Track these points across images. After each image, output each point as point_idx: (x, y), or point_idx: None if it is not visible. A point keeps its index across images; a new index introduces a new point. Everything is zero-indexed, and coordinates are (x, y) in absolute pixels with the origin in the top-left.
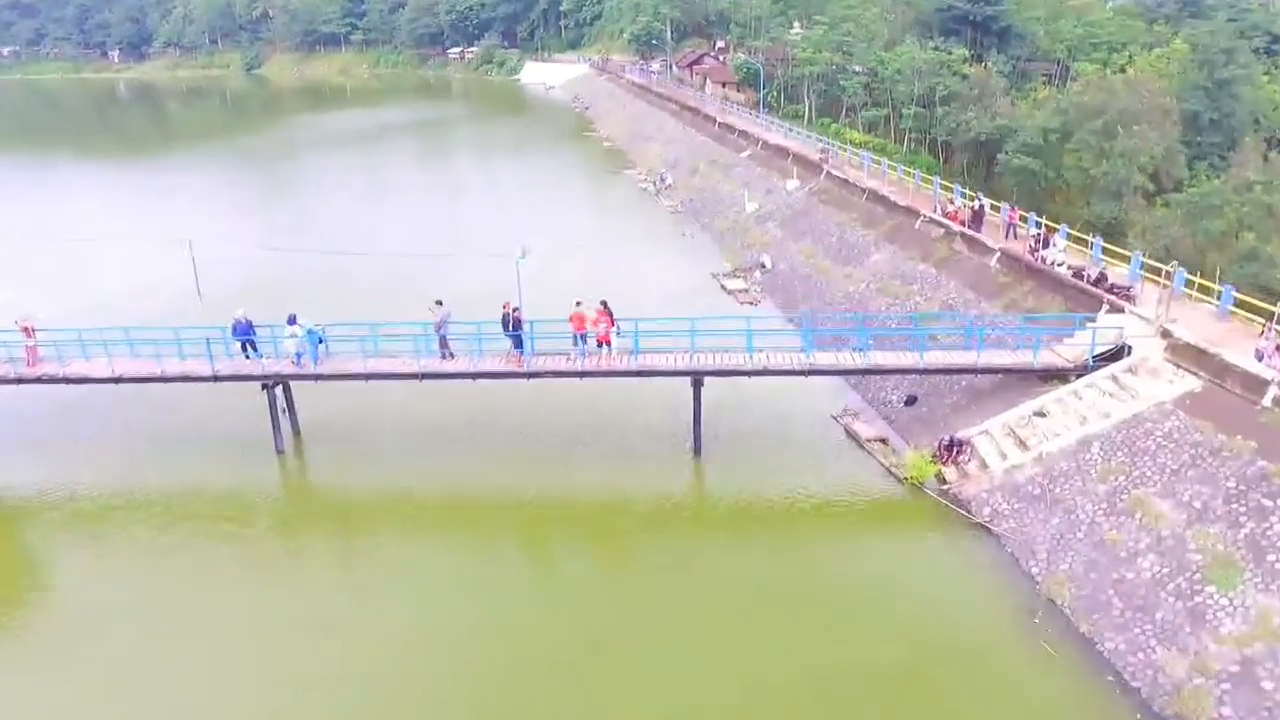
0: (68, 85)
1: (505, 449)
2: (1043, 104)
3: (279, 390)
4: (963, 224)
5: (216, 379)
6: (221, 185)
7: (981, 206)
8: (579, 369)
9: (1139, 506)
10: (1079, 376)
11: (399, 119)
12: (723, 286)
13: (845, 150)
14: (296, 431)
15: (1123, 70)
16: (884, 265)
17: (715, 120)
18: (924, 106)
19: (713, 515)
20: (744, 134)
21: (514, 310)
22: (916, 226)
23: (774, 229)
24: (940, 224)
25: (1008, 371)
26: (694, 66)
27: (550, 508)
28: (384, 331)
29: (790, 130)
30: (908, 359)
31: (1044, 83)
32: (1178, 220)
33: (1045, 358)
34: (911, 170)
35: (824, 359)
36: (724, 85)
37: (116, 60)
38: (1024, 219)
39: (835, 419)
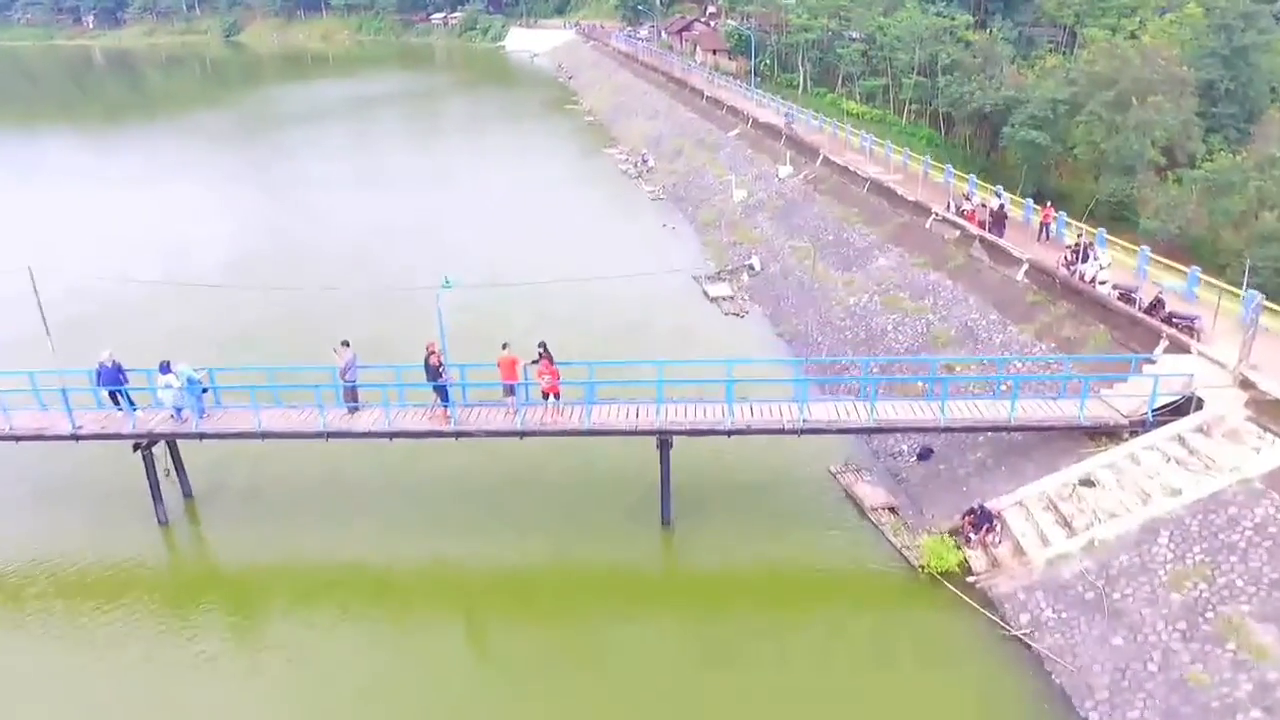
0: (40, 53)
1: (437, 514)
2: (1050, 73)
3: (161, 449)
4: (981, 226)
5: (77, 438)
6: (175, 168)
7: (1003, 206)
8: (518, 428)
9: (1231, 632)
10: (1133, 434)
11: (374, 90)
12: (705, 293)
13: (844, 130)
14: (188, 494)
15: (1133, 36)
16: (890, 273)
17: (703, 94)
18: (925, 76)
19: (684, 599)
20: (733, 110)
21: (436, 352)
22: (928, 226)
23: (764, 222)
24: (955, 224)
25: (1049, 430)
26: (683, 33)
27: (488, 585)
28: (285, 378)
29: (782, 105)
30: (925, 414)
31: (1051, 50)
32: (1192, 198)
33: (1094, 409)
34: (919, 155)
35: (820, 413)
36: (714, 53)
37: (91, 26)
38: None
39: (834, 475)
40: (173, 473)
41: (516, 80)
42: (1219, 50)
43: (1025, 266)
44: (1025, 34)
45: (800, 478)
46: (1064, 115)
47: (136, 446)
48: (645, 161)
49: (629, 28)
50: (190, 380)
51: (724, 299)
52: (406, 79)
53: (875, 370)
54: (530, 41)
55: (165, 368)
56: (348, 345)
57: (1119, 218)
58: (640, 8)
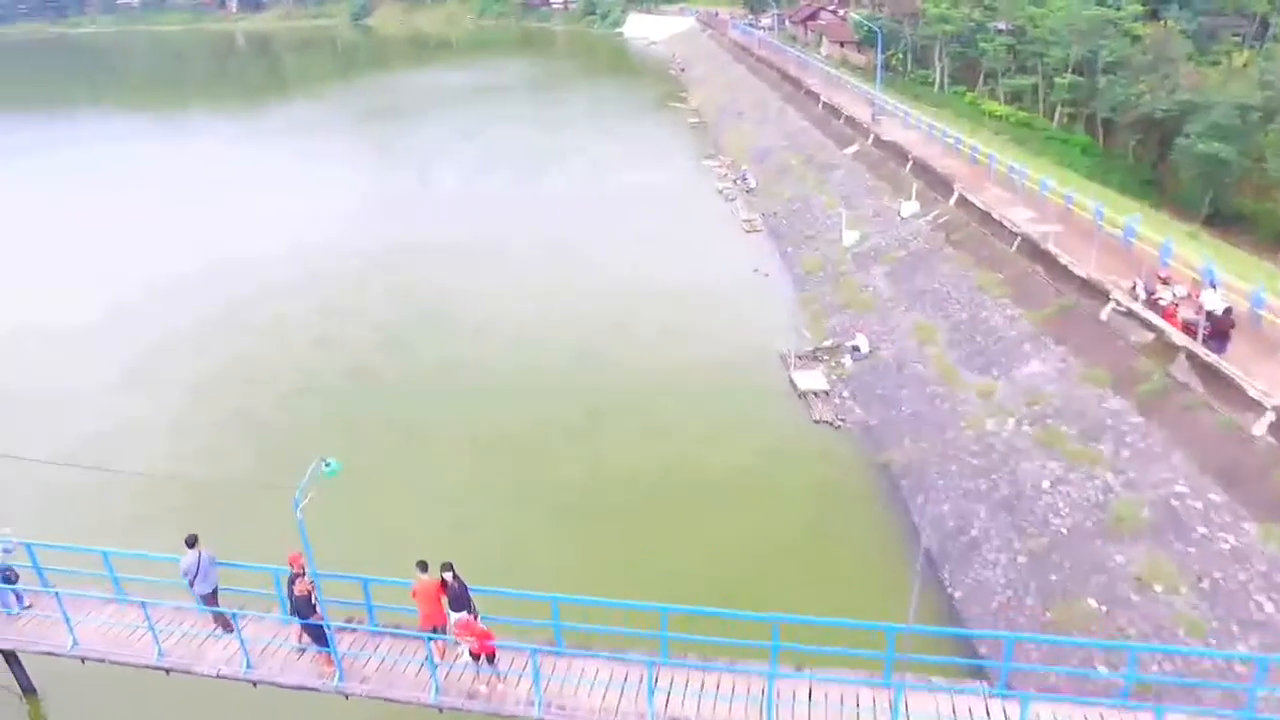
0: (188, 35)
1: None
2: (1239, 74)
3: None
4: (1188, 330)
5: None
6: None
7: (1229, 311)
8: (436, 700)
9: None
10: None
11: (488, 79)
12: (793, 383)
13: (985, 154)
14: (29, 690)
15: None
16: (1047, 386)
17: (818, 98)
18: (1081, 74)
19: None
20: (851, 121)
21: (303, 570)
22: (1104, 317)
23: (879, 279)
24: (1148, 323)
25: None
26: (809, 22)
27: None
28: (128, 566)
29: (908, 116)
30: None
31: (1236, 44)
32: None
33: None
34: (1084, 201)
35: None
36: (842, 45)
37: (235, 10)
38: None
39: None
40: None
41: (629, 70)
42: None
43: (1270, 417)
44: (1206, 26)
45: None
46: (1255, 124)
47: None
48: (745, 180)
49: (750, 16)
50: None
51: (816, 395)
52: (521, 67)
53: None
54: (648, 28)
55: None
56: (194, 544)
57: None
58: None
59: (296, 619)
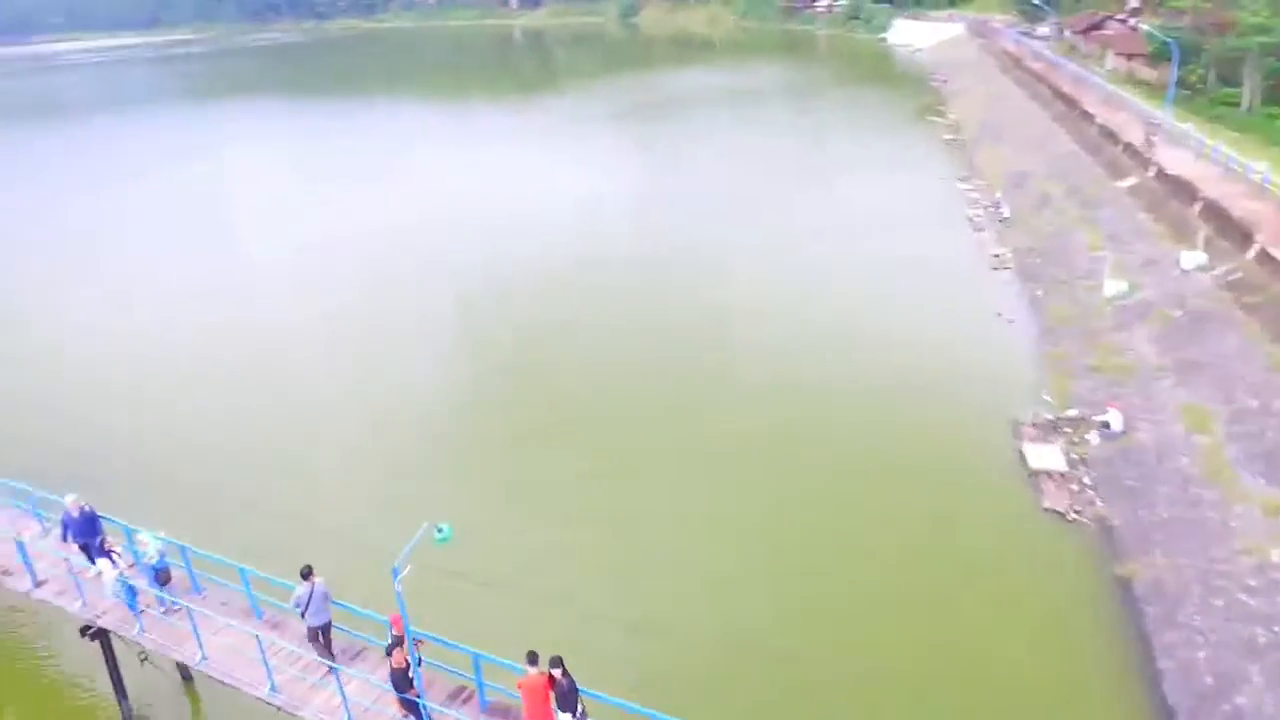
0: (473, 30)
1: None
2: None
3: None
4: None
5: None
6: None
7: None
8: None
9: None
10: None
11: (746, 82)
12: (1023, 459)
13: None
14: (186, 677)
15: None
16: None
17: (1093, 120)
18: None
19: None
20: (1130, 149)
21: (400, 642)
22: None
23: (1144, 343)
24: None
25: None
26: (1092, 32)
27: None
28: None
29: (1202, 142)
30: None
31: None
32: None
33: None
34: None
35: None
36: (1129, 58)
37: (515, 7)
38: None
39: None
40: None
41: (888, 79)
42: None
43: None
44: None
45: None
46: None
47: (86, 632)
48: (999, 208)
49: (1026, 23)
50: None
51: (1049, 476)
52: (778, 71)
53: None
54: (913, 35)
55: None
56: (308, 576)
57: None
58: (1040, 2)
59: (393, 689)
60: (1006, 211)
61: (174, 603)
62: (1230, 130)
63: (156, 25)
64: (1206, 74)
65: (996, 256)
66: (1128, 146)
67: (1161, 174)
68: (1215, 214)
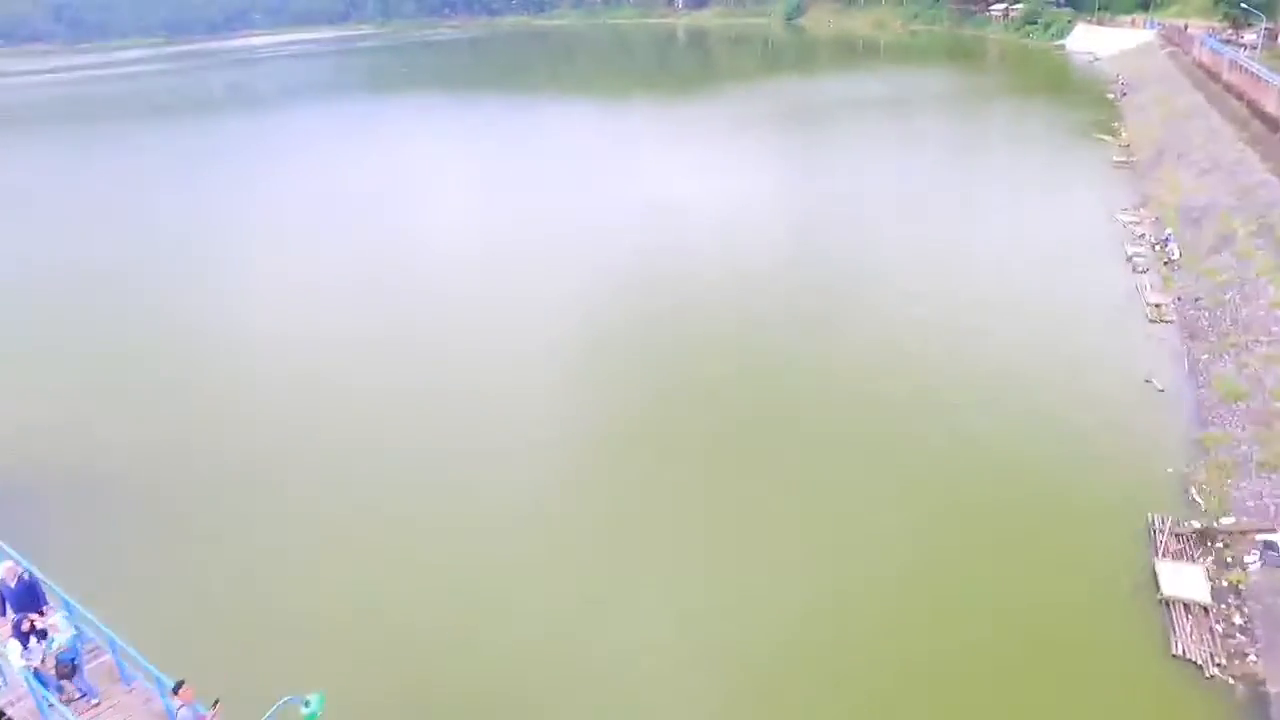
0: (635, 28)
1: None
2: None
3: None
4: None
5: None
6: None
7: None
8: None
9: None
10: None
11: (895, 91)
12: (1155, 579)
13: None
14: None
15: None
16: None
17: None
18: None
19: None
20: None
21: None
22: None
23: None
24: None
25: None
26: None
27: None
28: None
29: None
30: None
31: None
32: None
33: None
34: None
35: None
36: None
37: (680, 6)
38: None
39: None
40: None
41: (1061, 89)
42: None
43: None
44: None
45: None
46: None
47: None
48: (1167, 245)
49: (1229, 29)
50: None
51: (1187, 608)
52: (941, 81)
53: None
54: (1095, 41)
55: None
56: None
57: None
58: (1248, 4)
59: None
60: (1176, 251)
61: (84, 696)
62: None
63: (346, 19)
64: None
65: (1156, 307)
66: None
67: None
68: None
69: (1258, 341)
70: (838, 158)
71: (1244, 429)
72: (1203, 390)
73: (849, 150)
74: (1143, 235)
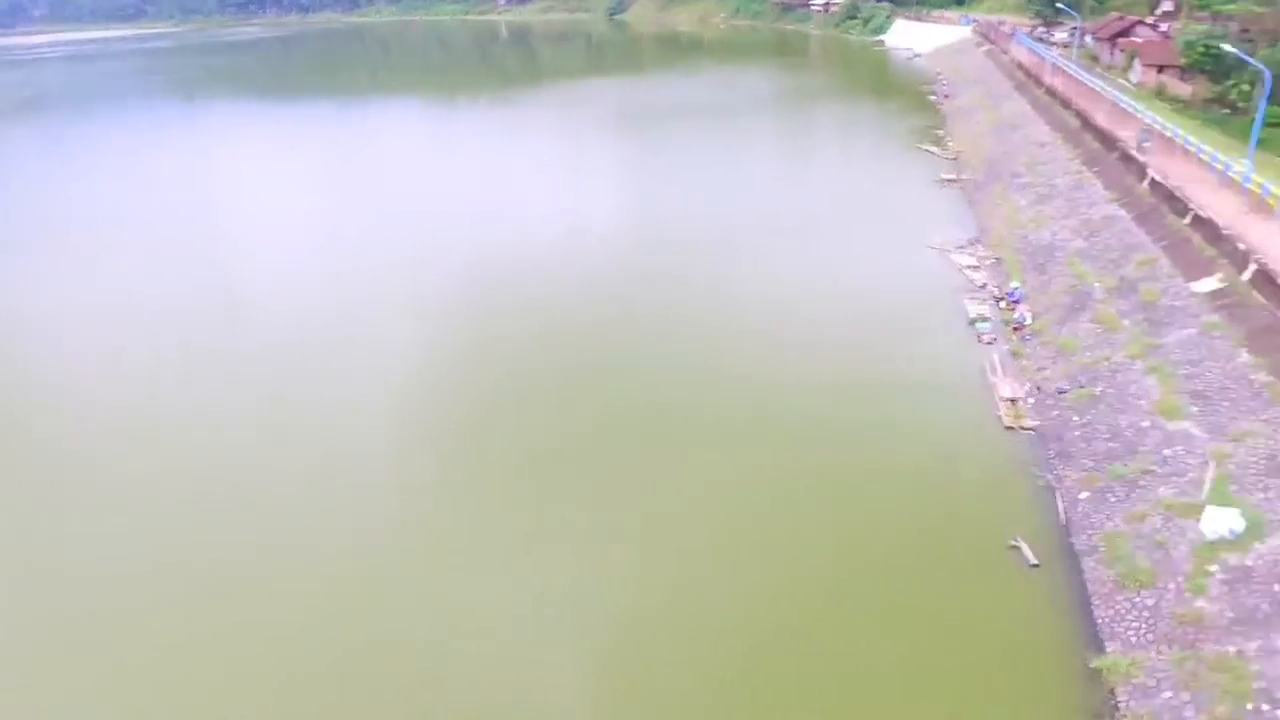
0: (456, 25)
1: None
2: None
3: None
4: None
5: None
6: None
7: None
8: None
9: None
10: None
11: (713, 97)
12: None
13: None
14: None
15: None
16: None
17: (1144, 171)
18: None
19: None
20: (1208, 225)
21: None
22: None
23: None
24: None
25: None
26: (1118, 40)
27: None
28: None
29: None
30: None
31: None
32: None
33: None
34: None
35: None
36: (1160, 70)
37: (502, 3)
38: None
39: None
40: None
41: (885, 90)
42: None
43: None
44: None
45: None
46: None
47: None
48: (1015, 303)
49: (1041, 27)
50: None
51: None
52: (770, 79)
53: None
54: (913, 38)
55: None
56: None
57: None
58: (1060, 3)
59: None
60: (1026, 315)
61: None
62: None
63: (140, 17)
64: (1250, 88)
65: (1011, 403)
66: (1204, 222)
67: (1264, 273)
68: None
69: (1149, 474)
70: (659, 187)
71: (1160, 653)
72: (1089, 562)
73: (672, 173)
74: (984, 285)
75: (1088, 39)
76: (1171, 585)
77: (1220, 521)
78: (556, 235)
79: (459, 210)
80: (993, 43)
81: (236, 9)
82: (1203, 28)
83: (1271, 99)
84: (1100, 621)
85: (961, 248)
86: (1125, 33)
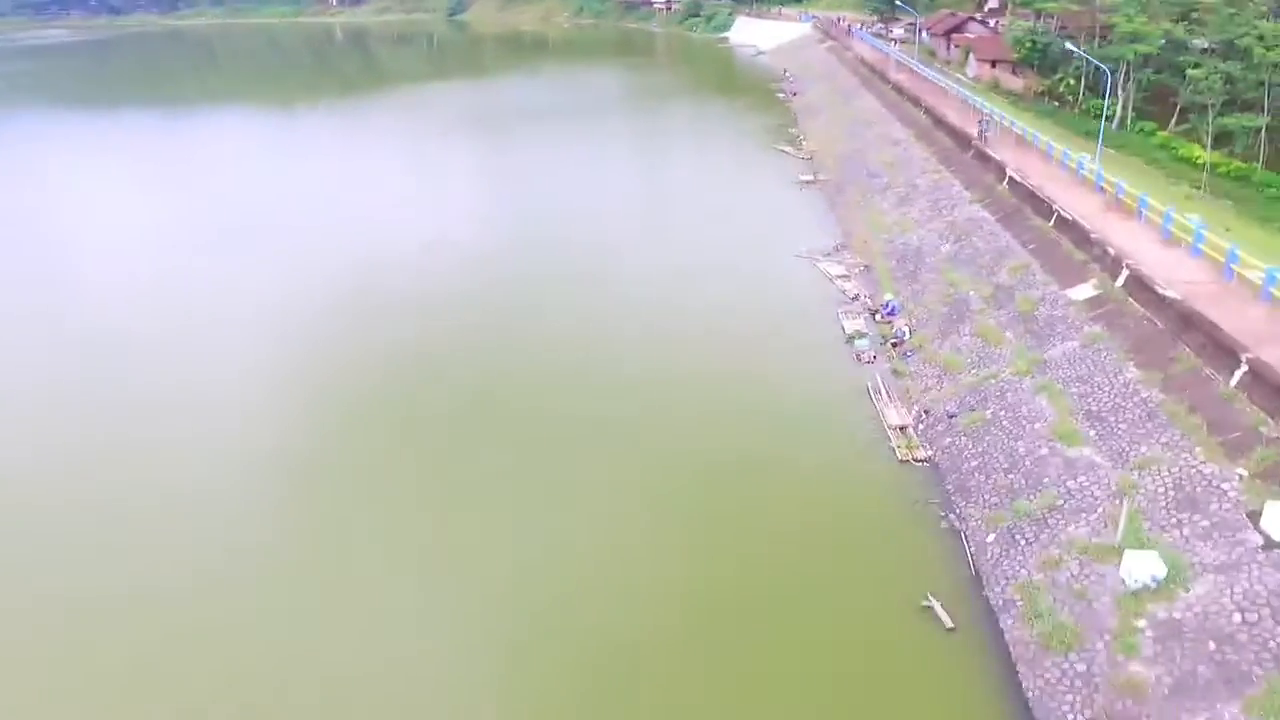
0: (287, 28)
1: None
2: None
3: None
4: None
5: None
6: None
7: None
8: None
9: None
10: None
11: (563, 99)
12: None
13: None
14: None
15: None
16: None
17: (1004, 172)
18: None
19: None
20: (1075, 230)
21: None
22: None
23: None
24: None
25: None
26: (953, 35)
27: None
28: None
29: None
30: None
31: None
32: None
33: None
34: None
35: None
36: (993, 64)
37: (334, 4)
38: None
39: None
40: None
41: (733, 88)
42: None
43: None
44: None
45: None
46: None
47: None
48: (890, 316)
49: (879, 23)
50: None
51: None
52: (618, 79)
53: None
54: (756, 34)
55: None
56: None
57: None
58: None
59: None
60: (905, 330)
61: None
62: (1107, 143)
63: None
64: (1077, 82)
65: (900, 431)
66: (1073, 225)
67: (1137, 281)
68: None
69: (1056, 510)
70: (513, 203)
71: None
72: (1008, 620)
73: (525, 183)
74: (857, 297)
75: (924, 35)
76: (1100, 645)
77: (1140, 568)
78: (408, 245)
79: (308, 224)
80: (834, 39)
81: (34, 10)
82: (1027, 24)
83: (1092, 91)
84: (1030, 695)
85: (829, 255)
86: (959, 28)
